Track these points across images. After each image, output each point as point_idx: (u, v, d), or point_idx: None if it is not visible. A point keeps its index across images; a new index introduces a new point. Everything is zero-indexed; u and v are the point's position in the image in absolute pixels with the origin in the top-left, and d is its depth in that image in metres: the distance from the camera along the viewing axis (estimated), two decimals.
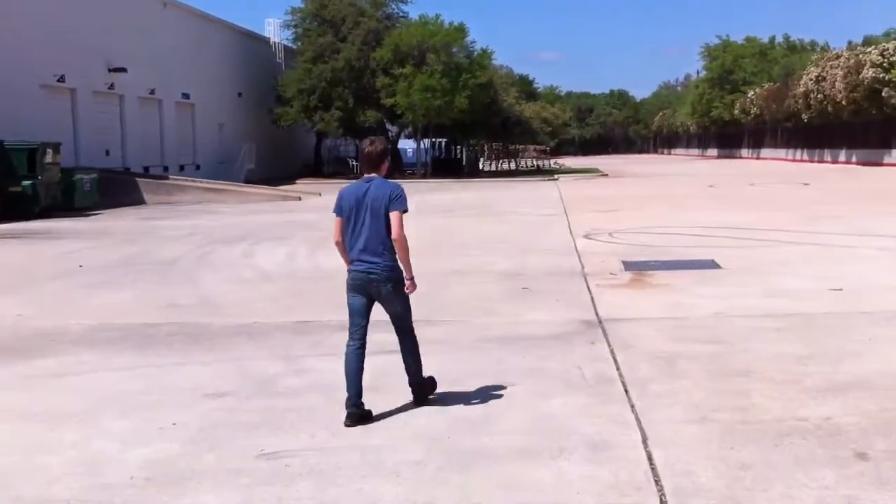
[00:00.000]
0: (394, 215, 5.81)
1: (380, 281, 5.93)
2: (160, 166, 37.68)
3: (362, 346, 6.11)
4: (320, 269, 13.36)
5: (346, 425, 5.73)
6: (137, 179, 31.78)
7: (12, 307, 10.44)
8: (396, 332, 6.22)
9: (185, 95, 41.10)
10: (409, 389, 6.32)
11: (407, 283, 6.00)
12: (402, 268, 5.96)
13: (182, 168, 39.38)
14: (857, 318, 8.60)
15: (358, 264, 5.95)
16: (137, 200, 30.11)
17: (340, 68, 46.83)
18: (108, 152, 33.94)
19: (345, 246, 6.02)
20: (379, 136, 6.39)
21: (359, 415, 5.82)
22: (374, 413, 5.96)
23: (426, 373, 6.35)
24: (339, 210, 5.99)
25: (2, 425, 5.99)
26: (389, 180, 6.02)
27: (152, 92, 37.53)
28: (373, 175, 5.96)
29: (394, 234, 5.81)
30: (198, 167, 41.11)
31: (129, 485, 4.83)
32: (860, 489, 4.43)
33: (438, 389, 6.47)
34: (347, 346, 6.14)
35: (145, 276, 13.01)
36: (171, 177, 34.65)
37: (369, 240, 5.86)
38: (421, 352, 6.38)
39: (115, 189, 29.36)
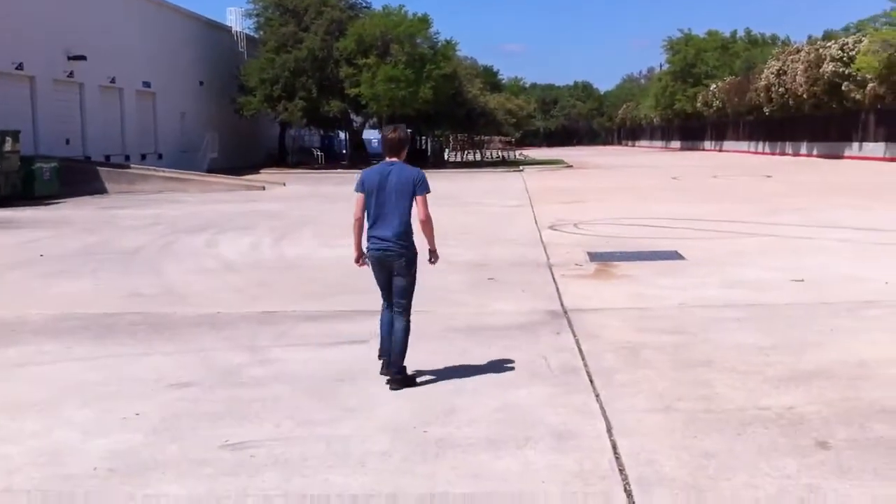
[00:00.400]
0: (420, 199, 6.27)
1: (394, 257, 6.35)
2: (121, 155, 37.24)
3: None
4: (285, 259, 13.30)
5: (382, 373, 6.46)
6: (98, 168, 31.38)
7: None
8: (395, 307, 6.51)
9: (146, 84, 40.64)
10: (384, 376, 6.50)
11: (431, 255, 6.58)
12: (415, 248, 6.39)
13: (144, 157, 38.95)
14: (819, 309, 8.71)
15: (375, 242, 6.35)
16: (98, 190, 29.74)
17: (303, 58, 46.54)
18: (68, 141, 33.48)
19: (362, 223, 6.37)
20: (401, 125, 6.71)
21: (390, 361, 6.46)
22: (343, 404, 5.95)
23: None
24: (360, 187, 6.34)
25: None
26: (410, 165, 6.41)
27: (113, 80, 37.07)
28: (394, 160, 6.35)
29: (422, 216, 6.28)
30: (160, 156, 40.70)
31: (91, 475, 4.77)
32: (821, 478, 4.49)
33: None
34: (383, 310, 6.66)
35: (107, 265, 12.86)
36: (132, 166, 34.25)
37: (390, 220, 6.26)
38: None
39: (76, 178, 28.96)
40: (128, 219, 20.27)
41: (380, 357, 6.68)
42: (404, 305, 6.48)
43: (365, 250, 6.45)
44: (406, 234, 6.31)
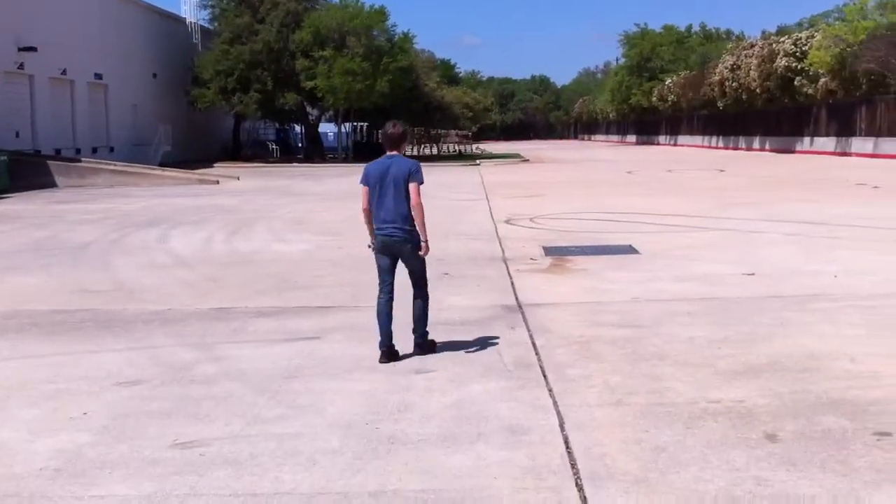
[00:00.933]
0: (412, 186, 6.74)
1: (401, 243, 6.85)
2: (72, 149, 36.69)
3: (391, 298, 6.99)
4: (238, 254, 13.18)
5: (381, 362, 6.77)
6: (49, 162, 30.93)
7: None
8: (413, 285, 7.08)
9: (98, 76, 40.08)
10: (383, 363, 6.79)
11: (422, 244, 6.88)
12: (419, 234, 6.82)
13: (95, 151, 38.40)
14: (769, 302, 8.81)
15: (383, 227, 6.84)
16: (49, 184, 29.29)
17: (259, 50, 46.21)
18: (17, 134, 32.95)
19: (370, 213, 6.88)
20: (399, 121, 7.25)
21: (389, 353, 6.84)
22: (294, 401, 5.90)
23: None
24: (365, 181, 6.88)
25: None
26: (407, 158, 6.95)
27: (64, 72, 36.52)
28: (394, 153, 6.88)
29: (413, 202, 6.72)
30: (112, 150, 40.17)
31: (37, 475, 4.68)
32: (770, 470, 4.53)
33: (356, 374, 6.46)
34: (378, 298, 7.03)
35: (56, 260, 12.66)
36: (83, 159, 33.76)
37: (392, 208, 6.75)
38: (345, 337, 7.03)
39: (26, 172, 28.50)
40: (78, 213, 19.98)
41: (381, 347, 6.92)
42: (421, 283, 7.05)
43: (373, 238, 6.97)
44: (408, 218, 6.78)
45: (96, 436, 5.29)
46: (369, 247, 7.09)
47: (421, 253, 6.91)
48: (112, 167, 32.45)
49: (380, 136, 6.94)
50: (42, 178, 29.30)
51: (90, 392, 6.19)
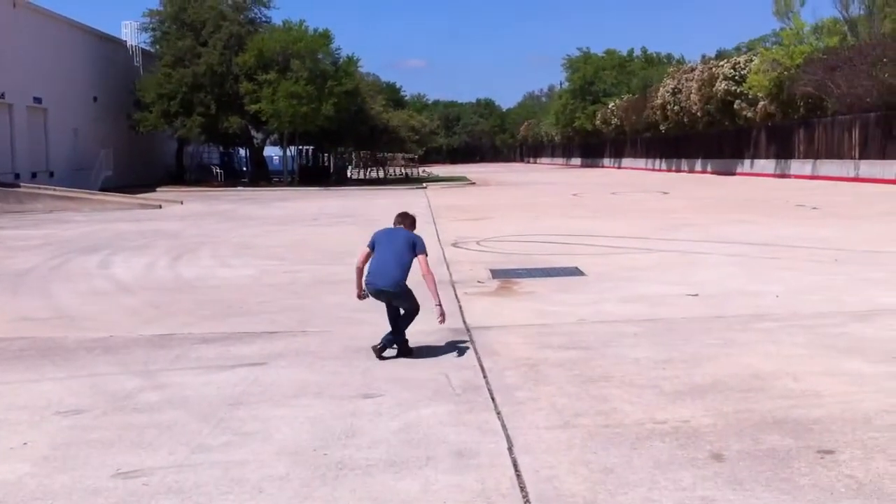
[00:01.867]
0: (421, 258, 7.67)
1: (391, 293, 7.64)
2: (11, 173, 36.02)
3: (397, 313, 7.84)
4: (181, 280, 13.01)
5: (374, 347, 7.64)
6: None
7: None
8: (401, 313, 7.84)
9: (38, 100, 39.46)
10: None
11: (436, 309, 7.65)
12: (409, 287, 7.67)
13: (34, 175, 37.75)
14: (713, 323, 8.92)
15: (376, 282, 7.61)
16: None
17: (202, 73, 45.88)
18: None
19: (362, 271, 7.81)
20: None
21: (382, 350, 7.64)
22: (240, 428, 5.82)
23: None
24: (372, 245, 7.79)
25: None
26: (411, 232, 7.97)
27: (2, 96, 35.89)
28: (400, 226, 7.98)
29: (423, 271, 7.62)
30: (51, 174, 39.52)
31: None
32: (716, 490, 4.57)
33: (303, 400, 6.40)
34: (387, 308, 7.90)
35: None
36: (22, 185, 33.16)
37: (391, 263, 7.56)
38: (290, 362, 7.38)
39: None
40: (17, 239, 19.59)
41: (382, 340, 7.69)
42: (410, 313, 7.83)
43: (364, 285, 7.75)
44: (403, 277, 7.60)
45: (37, 466, 5.16)
46: (360, 297, 7.90)
47: (438, 321, 7.72)
48: (52, 192, 31.91)
49: (399, 216, 8.05)
50: None
51: (30, 422, 6.04)
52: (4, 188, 31.18)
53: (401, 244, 7.67)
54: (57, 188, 33.23)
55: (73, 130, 43.13)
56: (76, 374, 7.38)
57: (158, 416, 6.16)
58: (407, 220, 8.06)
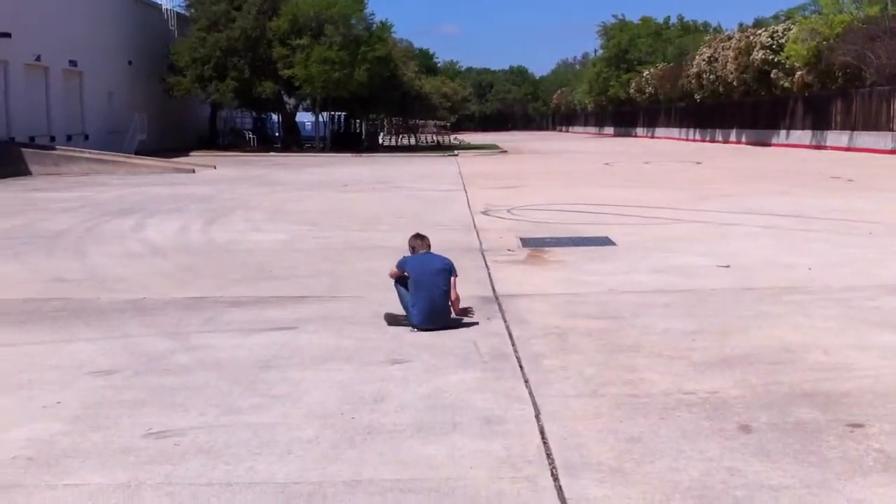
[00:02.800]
0: (453, 280, 7.73)
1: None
2: (47, 136, 36.29)
3: None
4: (214, 244, 13.11)
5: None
6: (23, 150, 30.58)
7: None
8: None
9: (73, 63, 39.67)
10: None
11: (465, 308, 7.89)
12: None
13: (70, 138, 38.01)
14: (744, 295, 8.86)
15: (425, 321, 7.56)
16: (22, 171, 28.99)
17: (236, 38, 45.88)
18: None
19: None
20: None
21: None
22: (270, 391, 5.89)
23: None
24: (402, 268, 7.81)
25: None
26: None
27: (38, 58, 36.10)
28: (425, 250, 7.94)
29: (453, 297, 7.69)
30: (86, 137, 39.79)
31: (10, 464, 4.64)
32: (743, 461, 4.56)
33: (332, 364, 6.45)
34: None
35: (30, 249, 12.54)
36: (58, 147, 33.42)
37: (441, 305, 7.62)
38: (321, 327, 7.42)
39: None
40: (52, 201, 19.81)
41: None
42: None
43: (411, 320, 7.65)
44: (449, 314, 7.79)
45: (69, 425, 5.25)
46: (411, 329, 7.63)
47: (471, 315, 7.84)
48: (87, 155, 32.16)
49: (419, 240, 8.00)
50: (16, 165, 29.00)
51: (63, 381, 6.14)
52: (41, 150, 31.47)
53: (442, 279, 7.62)
54: (92, 151, 33.48)
55: (107, 94, 43.38)
56: (109, 335, 7.48)
57: (190, 377, 6.23)
58: (426, 241, 8.00)
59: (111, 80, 43.70)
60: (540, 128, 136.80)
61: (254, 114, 61.03)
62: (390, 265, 9.10)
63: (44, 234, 14.20)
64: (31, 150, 31.12)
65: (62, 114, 38.60)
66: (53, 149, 32.64)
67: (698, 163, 34.21)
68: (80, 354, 6.85)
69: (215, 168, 33.17)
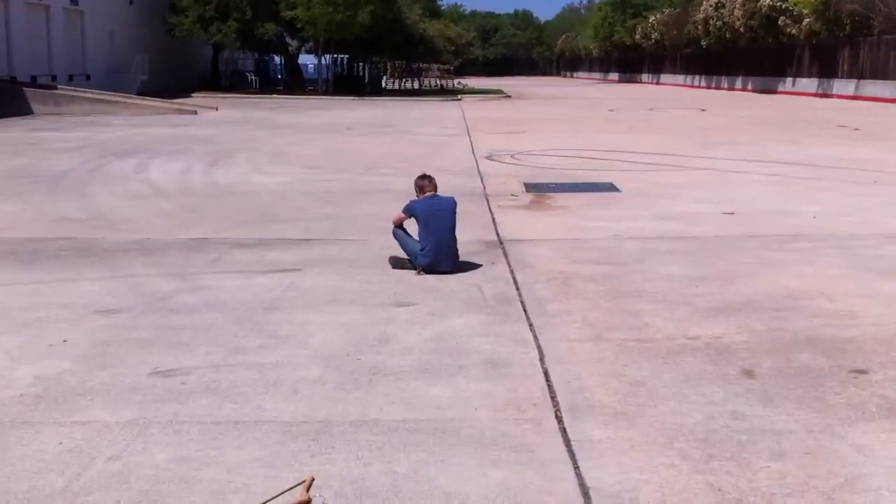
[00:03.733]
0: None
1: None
2: (48, 76, 36.00)
3: None
4: (217, 185, 13.09)
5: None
6: (25, 89, 30.36)
7: None
8: None
9: (74, 2, 39.21)
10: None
11: None
12: None
13: (71, 78, 37.69)
14: (748, 242, 8.86)
15: (436, 262, 7.55)
16: (24, 111, 28.81)
17: None
18: None
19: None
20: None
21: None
22: (275, 332, 5.92)
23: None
24: (409, 213, 7.78)
25: None
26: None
27: None
28: (434, 192, 7.88)
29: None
30: (88, 77, 39.46)
31: (18, 402, 4.68)
32: (747, 405, 4.60)
33: (337, 306, 6.47)
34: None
35: (33, 188, 12.52)
36: (60, 87, 33.16)
37: (452, 244, 7.69)
38: (325, 269, 7.38)
39: (0, 99, 27.99)
40: (55, 141, 19.72)
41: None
42: None
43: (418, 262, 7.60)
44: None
45: (76, 363, 5.28)
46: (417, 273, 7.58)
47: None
48: (89, 95, 31.93)
49: (426, 180, 7.94)
50: (18, 105, 28.80)
51: (70, 320, 6.16)
52: (42, 90, 31.25)
53: (451, 220, 7.66)
54: (94, 91, 33.23)
55: (109, 34, 42.92)
56: (114, 275, 7.50)
57: (195, 317, 6.26)
58: (433, 181, 7.95)
59: (112, 19, 43.22)
60: (544, 73, 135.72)
61: (256, 55, 60.49)
62: (394, 209, 9.13)
63: (47, 174, 14.16)
64: (32, 89, 30.91)
65: (63, 53, 38.24)
66: (55, 88, 32.40)
67: (703, 110, 33.98)
68: (86, 294, 6.87)
69: (217, 110, 32.96)
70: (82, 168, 14.88)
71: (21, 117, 27.61)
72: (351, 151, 18.08)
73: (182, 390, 4.85)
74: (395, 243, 7.94)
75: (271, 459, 4.03)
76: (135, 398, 4.74)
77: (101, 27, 41.95)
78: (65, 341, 5.68)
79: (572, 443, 4.16)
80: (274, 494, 3.72)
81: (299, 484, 3.81)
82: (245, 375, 5.09)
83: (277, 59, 61.30)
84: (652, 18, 74.44)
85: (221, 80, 54.72)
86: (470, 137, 21.10)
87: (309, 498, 3.70)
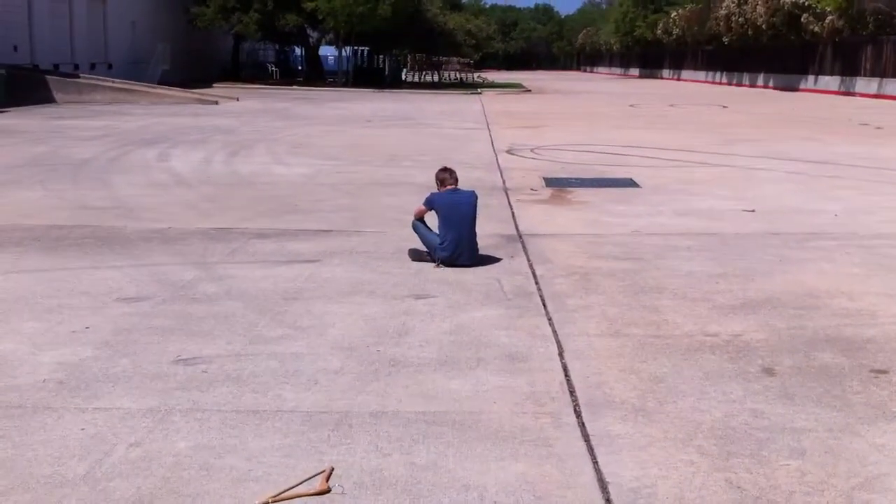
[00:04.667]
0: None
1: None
2: (70, 64, 36.19)
3: None
4: (237, 176, 13.14)
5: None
6: (47, 77, 30.53)
7: None
8: None
9: None
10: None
11: None
12: None
13: (93, 67, 37.88)
14: (769, 239, 8.82)
15: (456, 256, 7.58)
16: (47, 99, 28.98)
17: None
18: (15, 48, 32.38)
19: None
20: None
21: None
22: (295, 322, 5.95)
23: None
24: (430, 205, 7.77)
25: None
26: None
27: None
28: (454, 186, 7.90)
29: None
30: (110, 66, 39.63)
31: (40, 387, 4.73)
32: (766, 403, 4.59)
33: (356, 298, 6.49)
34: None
35: (55, 176, 12.60)
36: (82, 75, 33.33)
37: (473, 239, 7.69)
38: (344, 261, 7.39)
39: (24, 87, 28.18)
40: (77, 130, 19.84)
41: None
42: None
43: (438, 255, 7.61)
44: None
45: (98, 350, 5.33)
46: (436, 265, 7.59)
47: None
48: (111, 84, 32.07)
49: (447, 173, 7.93)
50: (40, 93, 28.98)
51: (92, 307, 6.21)
52: (65, 79, 31.41)
53: (472, 214, 7.65)
54: (116, 80, 33.36)
55: (131, 23, 43.10)
56: (135, 264, 7.55)
57: (216, 306, 6.30)
58: (454, 174, 7.96)
59: (134, 8, 43.40)
60: (564, 68, 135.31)
61: (276, 47, 60.60)
62: (413, 202, 9.17)
63: (69, 161, 14.25)
64: (55, 77, 31.08)
65: (86, 42, 38.42)
66: (78, 77, 32.56)
67: (724, 106, 33.81)
68: (107, 281, 6.92)
69: (238, 100, 33.07)
70: (104, 156, 14.96)
71: (43, 105, 27.78)
72: (371, 143, 18.11)
73: (203, 378, 4.89)
74: (415, 236, 7.95)
75: (291, 449, 4.06)
76: (156, 385, 4.78)
77: (123, 16, 42.13)
78: (87, 328, 5.72)
79: (591, 437, 4.16)
80: (294, 483, 3.75)
81: (319, 473, 3.83)
82: (265, 365, 5.12)
83: (298, 50, 61.41)
84: (674, 14, 74.03)
85: (242, 70, 54.84)
86: (490, 131, 21.09)
87: (328, 487, 3.73)
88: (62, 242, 8.31)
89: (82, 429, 4.22)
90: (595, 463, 3.90)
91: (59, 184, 11.95)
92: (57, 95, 29.46)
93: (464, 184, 8.04)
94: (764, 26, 52.62)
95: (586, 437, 4.16)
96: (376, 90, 45.17)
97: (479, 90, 47.25)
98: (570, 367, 5.11)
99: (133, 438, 4.14)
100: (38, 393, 4.66)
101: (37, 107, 26.96)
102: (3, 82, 26.78)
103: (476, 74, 64.98)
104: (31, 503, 3.57)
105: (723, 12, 59.10)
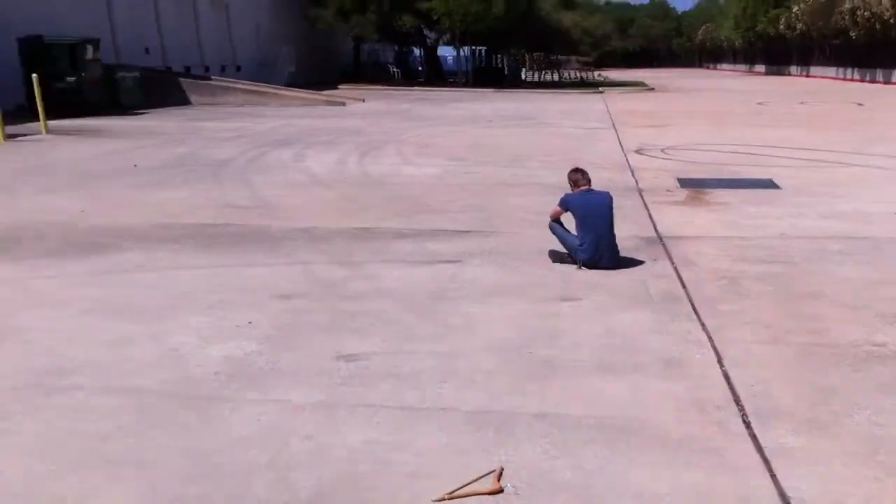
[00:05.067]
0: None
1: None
2: (201, 66, 37.35)
3: None
4: (369, 176, 13.34)
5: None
6: (180, 79, 31.59)
7: (74, 204, 10.56)
8: None
9: None
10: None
11: None
12: None
13: (223, 69, 39.03)
14: None
15: (597, 259, 7.53)
16: (181, 101, 30.00)
17: None
18: (147, 50, 33.60)
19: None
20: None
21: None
22: (446, 321, 6.01)
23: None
24: (565, 206, 7.76)
25: (87, 318, 6.09)
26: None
27: None
28: (588, 186, 7.84)
29: None
30: (238, 69, 40.77)
31: (213, 379, 4.92)
32: None
33: (501, 299, 6.52)
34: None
35: (197, 176, 13.05)
36: (213, 78, 34.37)
37: (613, 241, 7.64)
38: (484, 261, 7.54)
39: (157, 89, 29.21)
40: (213, 131, 20.49)
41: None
42: None
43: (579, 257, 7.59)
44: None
45: (261, 344, 5.51)
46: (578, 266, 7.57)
47: None
48: (242, 86, 32.96)
49: (580, 174, 7.90)
50: (174, 94, 30.02)
51: (250, 303, 6.42)
52: (197, 81, 32.43)
53: (609, 215, 7.62)
54: (246, 82, 34.27)
55: (255, 26, 44.23)
56: (285, 261, 7.76)
57: (367, 304, 6.42)
58: (587, 175, 7.89)
59: (257, 12, 44.50)
60: (685, 65, 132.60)
61: (396, 48, 61.29)
62: (541, 202, 9.19)
63: (209, 162, 14.73)
64: (188, 79, 32.12)
65: (213, 45, 39.58)
66: (210, 79, 33.57)
67: (859, 104, 32.57)
68: (262, 278, 7.14)
69: (364, 101, 33.59)
70: (242, 157, 15.41)
71: (178, 107, 28.80)
72: (493, 144, 18.14)
73: (366, 374, 5.00)
74: (550, 236, 7.94)
75: (458, 446, 4.12)
76: (321, 380, 4.91)
77: (246, 20, 43.24)
78: (250, 323, 5.92)
79: (764, 449, 4.08)
80: (466, 482, 3.79)
81: (489, 473, 3.87)
82: (422, 363, 5.20)
83: (417, 51, 61.97)
84: (795, 8, 71.62)
85: (364, 71, 55.65)
86: (616, 131, 20.86)
87: (501, 487, 3.76)
88: (216, 240, 8.59)
89: (258, 420, 4.37)
90: (773, 476, 3.82)
91: (202, 183, 12.36)
92: (192, 97, 30.46)
93: (595, 184, 7.95)
94: (891, 20, 50.47)
95: (760, 449, 4.08)
96: (496, 90, 45.21)
97: (600, 89, 46.77)
98: (731, 375, 5.01)
99: (305, 431, 4.26)
100: (211, 384, 4.85)
101: (172, 108, 27.97)
102: (137, 84, 27.81)
103: (596, 73, 64.32)
104: (217, 490, 3.71)
105: (847, 6, 56.91)
